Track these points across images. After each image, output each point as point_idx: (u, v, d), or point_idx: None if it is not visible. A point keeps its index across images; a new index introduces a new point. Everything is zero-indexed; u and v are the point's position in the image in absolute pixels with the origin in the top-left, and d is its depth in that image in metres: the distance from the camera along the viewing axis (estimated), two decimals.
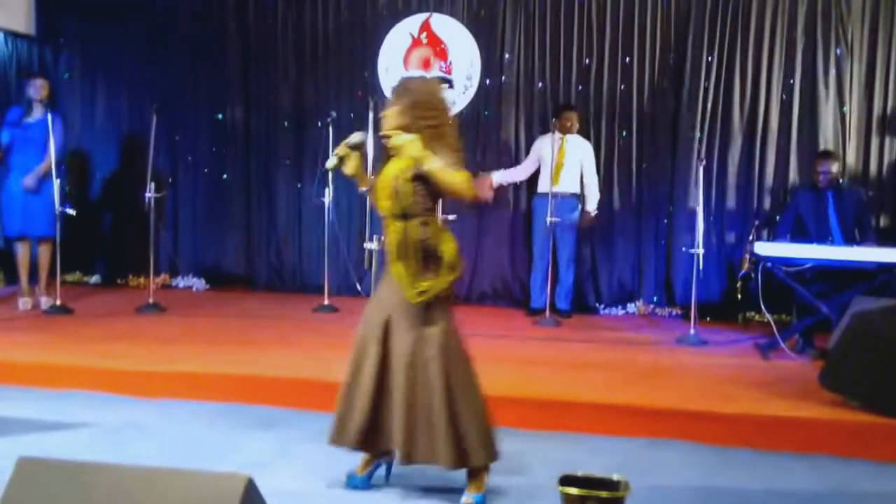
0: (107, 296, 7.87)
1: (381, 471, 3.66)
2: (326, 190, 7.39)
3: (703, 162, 6.87)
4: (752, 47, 7.44)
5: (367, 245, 4.77)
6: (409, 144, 3.30)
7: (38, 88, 6.86)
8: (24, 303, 6.94)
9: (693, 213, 6.82)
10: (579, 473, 2.82)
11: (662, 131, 7.68)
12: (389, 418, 3.39)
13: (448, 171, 3.29)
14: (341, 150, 3.48)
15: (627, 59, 7.70)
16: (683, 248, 6.90)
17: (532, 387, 5.01)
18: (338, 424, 3.46)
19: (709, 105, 7.55)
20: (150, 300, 7.04)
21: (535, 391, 4.94)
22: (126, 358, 5.30)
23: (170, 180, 8.21)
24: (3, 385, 4.97)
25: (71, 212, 6.78)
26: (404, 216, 3.34)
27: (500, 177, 7.53)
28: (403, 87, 3.50)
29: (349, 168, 3.49)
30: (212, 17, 8.32)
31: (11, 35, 8.30)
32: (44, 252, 6.96)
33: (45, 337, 5.92)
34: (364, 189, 3.57)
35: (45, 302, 6.90)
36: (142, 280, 8.15)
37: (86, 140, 8.38)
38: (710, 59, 7.54)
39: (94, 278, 8.51)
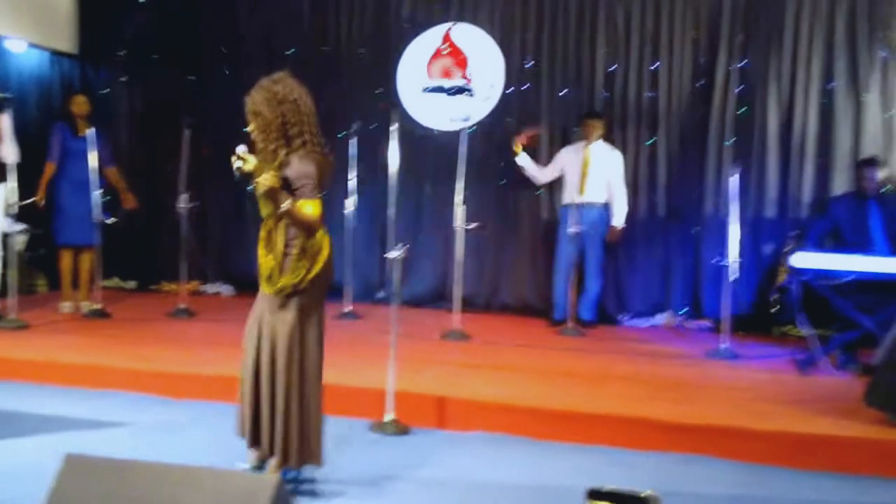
0: (141, 300, 8.09)
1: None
2: (348, 199, 7.38)
3: (737, 170, 6.61)
4: (787, 51, 7.19)
5: (390, 254, 4.63)
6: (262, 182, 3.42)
7: (80, 105, 7.18)
8: (66, 306, 7.24)
9: (725, 223, 6.56)
10: (607, 487, 2.66)
11: (692, 138, 7.45)
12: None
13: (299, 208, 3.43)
14: (236, 161, 3.49)
15: (655, 64, 7.49)
16: (714, 259, 6.63)
17: (556, 398, 4.90)
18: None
19: (743, 111, 7.30)
20: (182, 305, 7.27)
21: (560, 402, 4.82)
22: (160, 360, 5.51)
23: (201, 191, 8.14)
24: (48, 384, 5.23)
25: (110, 221, 7.13)
26: (272, 215, 3.49)
27: (527, 163, 7.35)
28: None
29: (248, 166, 3.50)
30: (241, 34, 8.39)
31: (56, 54, 8.68)
32: (85, 259, 7.28)
33: (86, 339, 6.15)
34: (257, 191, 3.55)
35: (85, 306, 7.20)
36: (174, 286, 8.30)
37: (125, 153, 8.51)
38: (742, 63, 7.30)
39: (130, 284, 8.76)
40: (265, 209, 3.55)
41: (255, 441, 3.58)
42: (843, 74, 7.07)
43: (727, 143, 7.31)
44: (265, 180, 3.38)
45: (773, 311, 6.50)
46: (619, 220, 7.19)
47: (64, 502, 2.39)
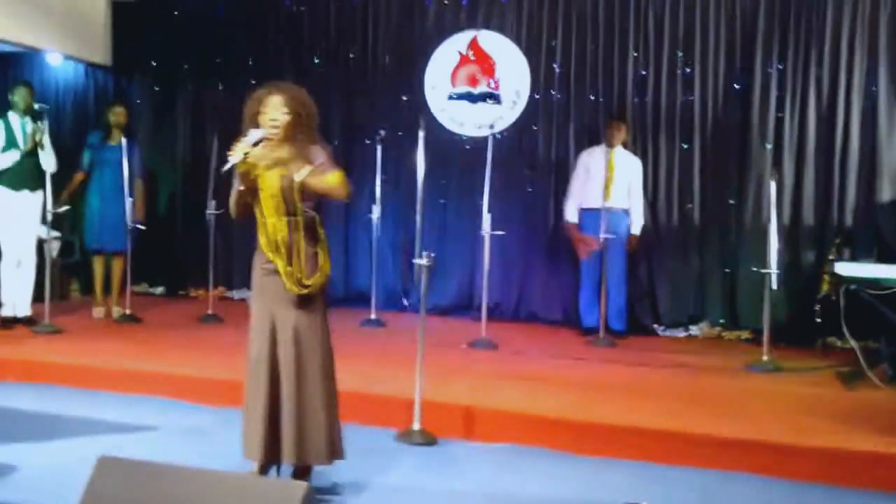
0: (170, 306, 8.16)
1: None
2: (374, 206, 7.33)
3: (776, 175, 6.40)
4: (828, 54, 6.97)
5: (417, 261, 4.56)
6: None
7: (115, 115, 7.30)
8: (98, 312, 7.38)
9: (764, 231, 6.35)
10: (643, 503, 2.56)
11: (728, 144, 7.26)
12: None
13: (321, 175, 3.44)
14: (245, 147, 3.40)
15: (689, 68, 7.33)
16: (754, 268, 6.42)
17: (588, 409, 4.78)
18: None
19: (782, 115, 7.10)
20: (210, 311, 7.32)
21: (592, 414, 4.69)
22: (191, 366, 5.57)
23: (228, 198, 8.18)
24: (81, 388, 5.32)
25: (141, 227, 7.29)
26: (291, 214, 3.45)
27: (573, 212, 7.19)
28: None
29: (245, 165, 3.44)
30: (268, 44, 8.43)
31: (90, 66, 8.84)
32: (117, 265, 7.42)
33: (118, 344, 6.22)
34: (245, 188, 3.48)
35: (116, 311, 7.33)
36: (201, 292, 8.44)
37: (155, 161, 8.61)
38: (781, 67, 7.10)
39: (159, 289, 8.86)
40: (274, 213, 3.47)
41: (274, 452, 3.47)
42: (886, 78, 6.84)
43: (766, 148, 7.10)
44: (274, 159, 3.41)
45: (816, 321, 6.29)
46: (636, 228, 7.06)
47: (97, 503, 2.42)
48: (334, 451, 3.51)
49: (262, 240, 3.52)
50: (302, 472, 3.58)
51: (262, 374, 3.45)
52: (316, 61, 8.21)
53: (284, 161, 3.42)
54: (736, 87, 7.22)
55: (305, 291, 3.45)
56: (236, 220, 3.61)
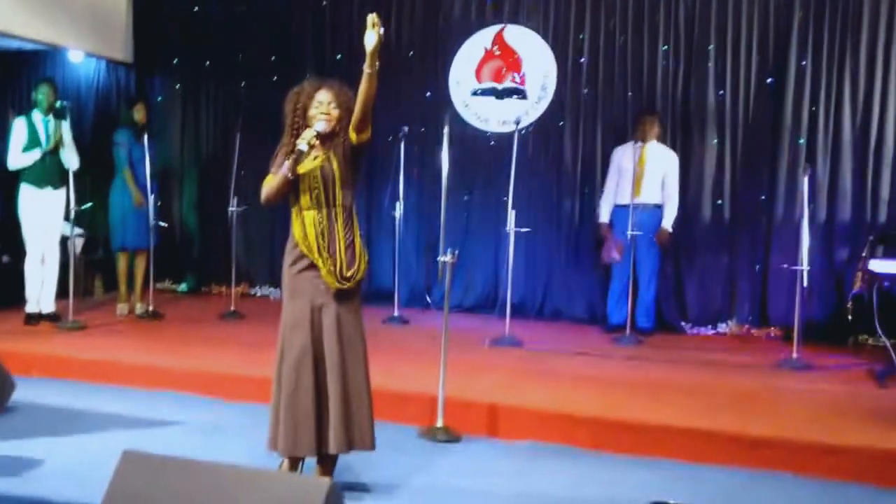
0: (193, 303, 8.18)
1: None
2: (397, 203, 7.29)
3: (809, 171, 6.28)
4: (864, 48, 6.81)
5: (442, 258, 4.52)
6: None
7: (139, 112, 7.31)
8: (121, 308, 7.39)
9: (797, 227, 6.24)
10: (671, 502, 2.50)
11: (760, 139, 7.12)
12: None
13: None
14: (313, 139, 3.43)
15: (720, 62, 7.20)
16: (785, 265, 6.31)
17: (614, 407, 4.70)
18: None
19: (816, 110, 6.96)
20: (232, 308, 7.33)
21: (618, 412, 4.62)
22: (213, 362, 5.57)
23: (252, 196, 8.16)
24: (104, 384, 5.35)
25: (163, 224, 7.33)
26: (331, 205, 3.48)
27: (607, 212, 7.11)
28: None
29: (306, 156, 3.46)
30: (290, 39, 8.37)
31: (112, 63, 8.85)
32: (140, 262, 7.46)
33: (141, 340, 6.28)
34: (291, 176, 3.45)
35: (139, 308, 7.36)
36: (224, 289, 8.45)
37: (176, 159, 8.62)
38: (815, 61, 6.96)
39: (182, 286, 8.84)
40: (314, 205, 3.46)
41: (322, 444, 3.44)
42: None
43: (799, 143, 6.98)
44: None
45: (848, 319, 6.18)
46: (668, 221, 6.92)
47: (122, 498, 2.49)
48: (374, 437, 3.53)
49: (296, 234, 3.49)
50: (328, 465, 3.55)
51: (306, 369, 3.43)
52: (338, 57, 8.16)
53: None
54: (768, 81, 7.09)
55: (347, 285, 3.45)
56: (265, 205, 3.60)
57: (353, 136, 3.44)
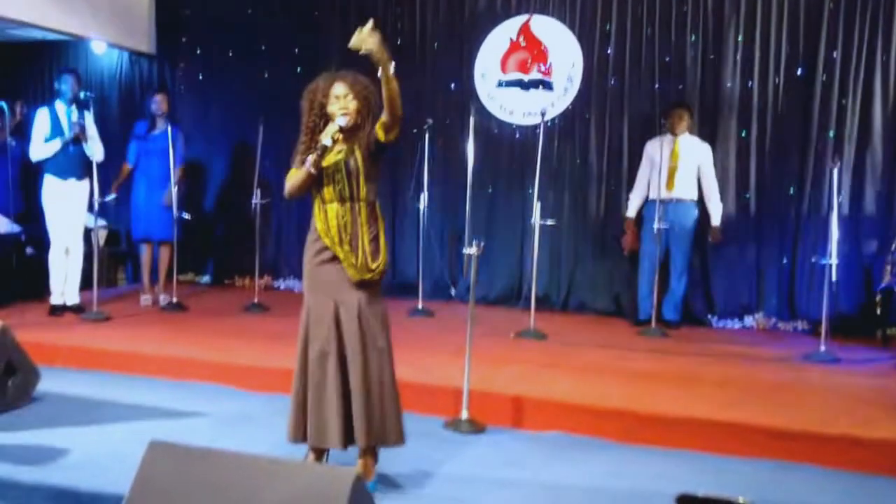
0: (216, 295, 8.20)
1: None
2: (421, 195, 7.26)
3: (838, 164, 6.19)
4: (895, 39, 6.72)
5: (467, 250, 4.50)
6: None
7: (158, 103, 7.33)
8: (145, 300, 7.46)
9: (825, 220, 6.16)
10: (700, 494, 2.46)
11: (788, 131, 7.03)
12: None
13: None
14: (336, 133, 3.42)
15: (748, 53, 7.10)
16: (813, 258, 6.23)
17: (639, 400, 4.66)
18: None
19: (845, 102, 6.85)
20: (256, 300, 7.34)
21: (643, 404, 4.58)
22: (237, 353, 5.60)
23: (275, 187, 8.18)
24: (129, 374, 5.40)
25: (187, 216, 7.34)
26: (355, 199, 3.46)
27: (634, 207, 7.06)
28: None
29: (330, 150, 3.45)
30: (315, 30, 8.35)
31: (135, 54, 8.88)
32: (164, 254, 7.50)
33: (165, 331, 6.28)
34: (314, 171, 3.43)
35: (163, 299, 7.41)
36: (246, 281, 8.48)
37: (199, 150, 8.62)
38: (845, 52, 6.84)
39: (205, 278, 8.89)
40: (336, 198, 3.44)
41: (348, 439, 3.43)
42: None
43: (828, 135, 6.88)
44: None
45: (876, 312, 6.10)
46: (717, 218, 6.83)
47: (148, 487, 2.53)
48: (403, 431, 3.52)
49: (319, 227, 3.47)
50: (370, 459, 3.54)
51: (330, 363, 3.41)
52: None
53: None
54: (798, 72, 6.99)
55: (369, 276, 3.44)
56: (289, 199, 3.59)
57: (380, 134, 3.41)
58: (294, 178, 3.48)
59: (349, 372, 3.42)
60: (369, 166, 3.44)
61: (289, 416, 3.53)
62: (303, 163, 3.43)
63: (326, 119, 3.46)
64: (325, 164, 3.42)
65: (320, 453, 3.53)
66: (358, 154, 3.42)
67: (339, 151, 3.44)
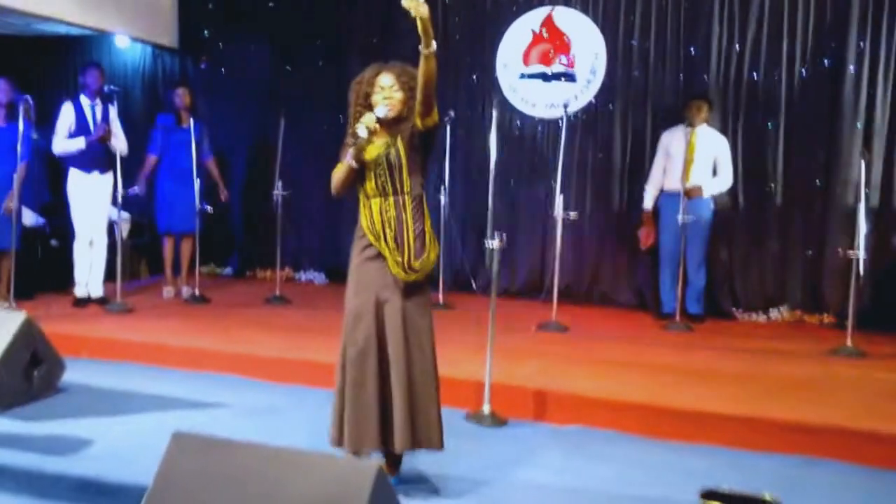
0: (237, 287, 8.21)
1: None
2: (443, 187, 7.25)
3: (866, 156, 6.10)
4: None
5: (489, 243, 4.48)
6: None
7: (180, 96, 7.34)
8: (167, 291, 7.48)
9: (852, 212, 6.08)
10: (724, 489, 2.45)
11: (815, 123, 6.93)
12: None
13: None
14: (372, 124, 3.34)
15: (775, 44, 7.00)
16: (840, 251, 6.16)
17: (665, 395, 4.63)
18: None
19: (874, 93, 6.73)
20: (277, 292, 7.35)
21: (667, 398, 4.55)
22: (260, 345, 5.62)
23: (296, 180, 8.20)
24: (152, 365, 5.41)
25: (209, 209, 7.30)
26: (399, 192, 3.39)
27: (650, 199, 7.01)
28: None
29: (367, 141, 3.36)
30: (337, 23, 8.32)
31: (158, 48, 8.91)
32: (186, 246, 7.50)
33: (188, 323, 6.32)
34: (354, 164, 3.37)
35: (185, 291, 7.43)
36: (268, 273, 8.49)
37: (221, 143, 8.57)
38: (874, 43, 6.71)
39: (226, 270, 8.91)
40: (380, 193, 3.37)
41: (386, 440, 3.37)
42: None
43: (856, 127, 6.77)
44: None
45: None
46: (709, 189, 6.74)
47: (172, 478, 2.55)
48: (442, 436, 3.43)
49: (363, 222, 3.41)
50: (393, 462, 3.50)
51: (370, 362, 3.33)
52: (383, 40, 8.08)
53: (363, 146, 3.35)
54: (825, 63, 6.88)
55: (414, 277, 3.35)
56: (336, 196, 3.51)
57: (417, 121, 3.32)
58: (336, 172, 3.42)
59: (391, 373, 3.33)
60: (413, 159, 3.36)
61: (331, 417, 3.45)
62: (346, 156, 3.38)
63: (371, 110, 3.39)
64: (367, 157, 3.36)
65: (357, 455, 3.45)
66: (400, 146, 3.35)
67: (381, 144, 3.37)
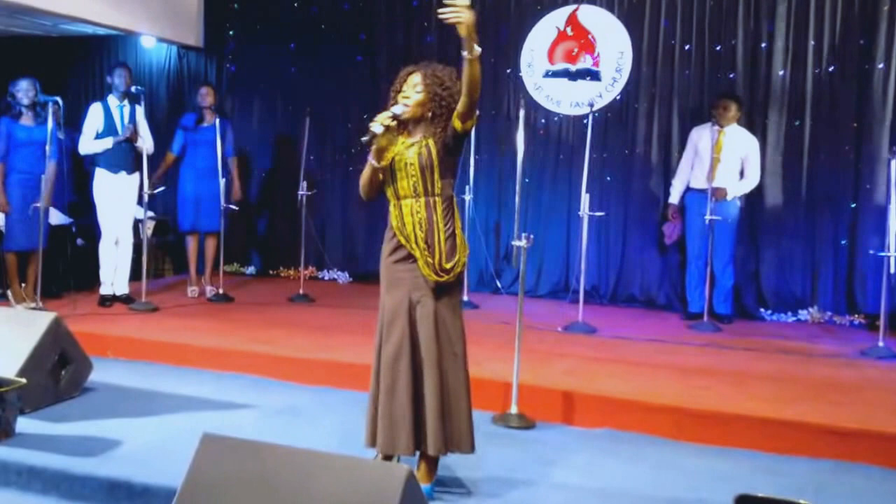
0: (261, 286, 8.21)
1: None
2: (467, 186, 7.21)
3: None
4: None
5: (516, 242, 4.44)
6: None
7: (204, 96, 7.36)
8: (191, 290, 7.48)
9: (882, 212, 5.99)
10: (759, 495, 2.39)
11: (844, 119, 6.85)
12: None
13: None
14: (387, 119, 3.28)
15: (803, 40, 6.92)
16: (871, 251, 6.06)
17: (692, 397, 4.56)
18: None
19: None
20: (301, 291, 7.35)
21: (697, 401, 4.48)
22: (285, 345, 5.59)
23: (319, 179, 8.26)
24: (177, 365, 5.40)
25: (233, 208, 7.33)
26: (430, 194, 3.35)
27: (677, 193, 6.98)
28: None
29: (385, 139, 3.31)
30: (359, 22, 8.29)
31: (183, 48, 8.93)
32: (210, 245, 7.50)
33: (212, 323, 6.29)
34: (379, 165, 3.34)
35: (209, 290, 7.43)
36: (291, 272, 8.50)
37: (245, 142, 8.62)
38: None
39: (250, 269, 8.92)
40: (411, 194, 3.34)
41: (418, 444, 3.34)
42: None
43: (886, 123, 6.67)
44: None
45: None
46: (733, 190, 6.66)
47: (201, 480, 2.55)
48: (473, 439, 3.41)
49: (394, 223, 3.39)
50: (430, 466, 3.46)
51: (403, 365, 3.30)
52: (407, 38, 8.03)
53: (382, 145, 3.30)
54: (853, 61, 6.79)
55: (445, 278, 3.32)
56: (367, 200, 3.48)
57: (457, 124, 3.27)
58: (363, 174, 3.39)
59: (423, 377, 3.31)
60: (444, 160, 3.32)
61: (366, 419, 3.44)
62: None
63: None
64: (395, 157, 3.32)
65: (389, 458, 3.43)
66: (432, 147, 3.31)
67: (411, 144, 3.34)
